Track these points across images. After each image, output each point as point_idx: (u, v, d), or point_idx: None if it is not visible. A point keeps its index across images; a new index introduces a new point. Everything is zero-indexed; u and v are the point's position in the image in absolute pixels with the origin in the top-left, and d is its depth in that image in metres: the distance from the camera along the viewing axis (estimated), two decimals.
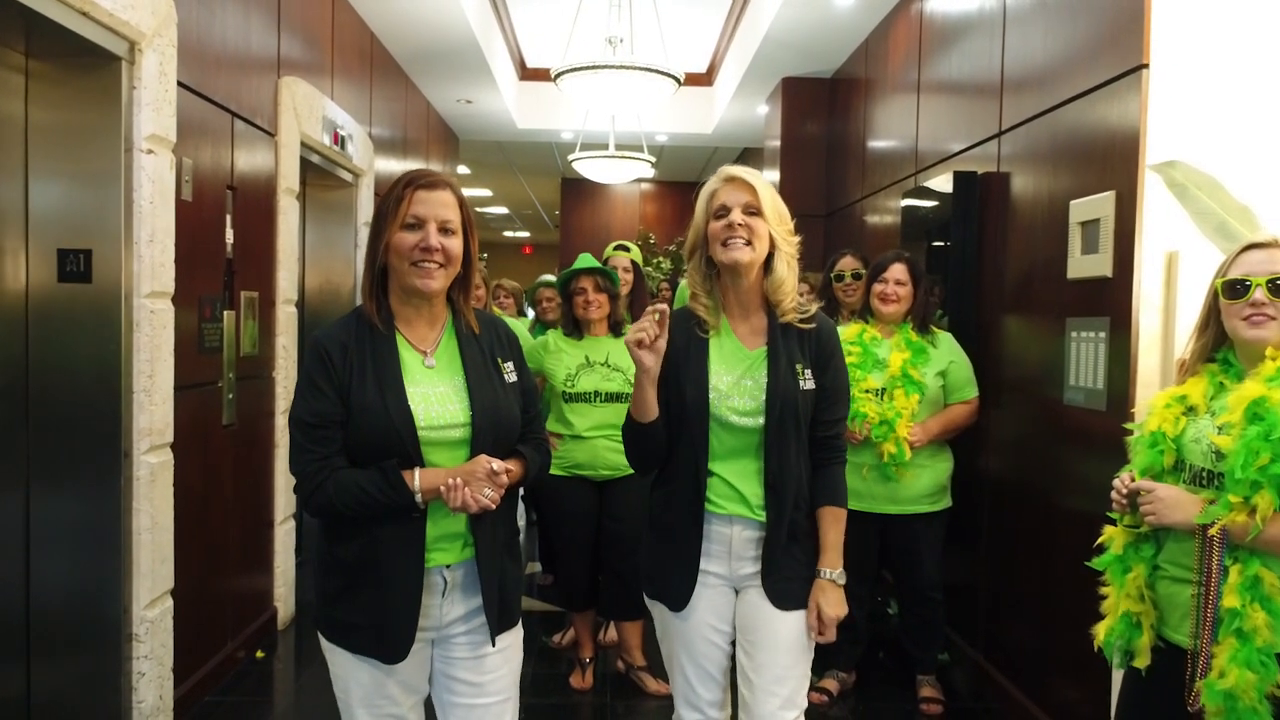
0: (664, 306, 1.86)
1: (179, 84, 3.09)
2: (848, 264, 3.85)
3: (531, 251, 20.61)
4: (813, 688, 3.34)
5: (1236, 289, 1.81)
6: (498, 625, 1.85)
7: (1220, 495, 1.71)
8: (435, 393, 1.80)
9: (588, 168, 7.98)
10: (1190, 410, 1.84)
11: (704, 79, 8.50)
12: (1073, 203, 3.00)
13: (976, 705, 3.53)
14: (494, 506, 1.74)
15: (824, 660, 3.34)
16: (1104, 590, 1.93)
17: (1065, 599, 3.03)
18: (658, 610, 2.09)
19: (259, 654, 3.90)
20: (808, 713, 2.06)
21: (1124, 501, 1.85)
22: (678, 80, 5.37)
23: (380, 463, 1.73)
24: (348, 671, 1.83)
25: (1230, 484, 1.69)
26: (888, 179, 5.13)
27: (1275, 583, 1.67)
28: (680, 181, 12.04)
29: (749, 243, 1.95)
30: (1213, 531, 1.69)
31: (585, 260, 3.56)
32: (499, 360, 1.90)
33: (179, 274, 3.08)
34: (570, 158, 8.02)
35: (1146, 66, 2.66)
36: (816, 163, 6.60)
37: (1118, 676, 2.60)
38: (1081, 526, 2.93)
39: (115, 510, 2.87)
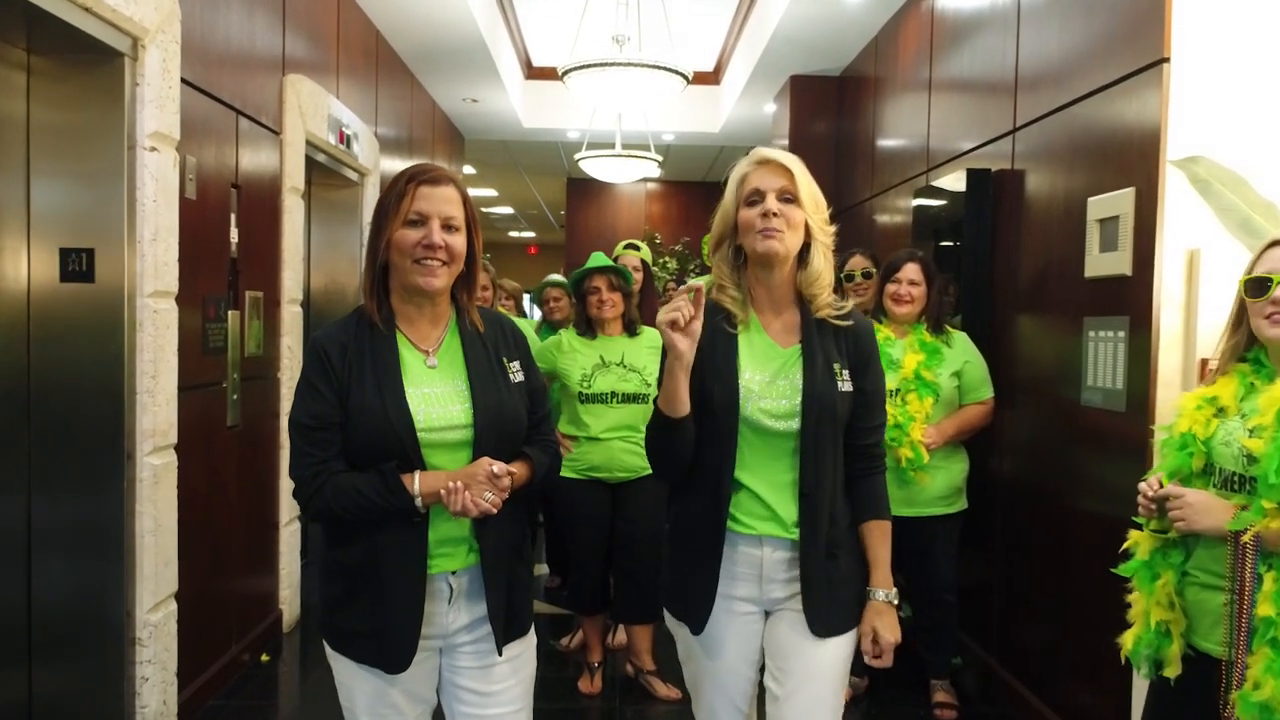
0: (699, 283, 1.70)
1: (183, 81, 3.05)
2: (858, 263, 3.79)
3: (537, 252, 20.57)
4: None
5: (1259, 287, 1.76)
6: (505, 634, 1.80)
7: (1253, 500, 1.66)
8: (436, 393, 1.75)
9: (594, 167, 7.93)
10: (1220, 412, 1.79)
11: (711, 78, 8.44)
12: (1090, 200, 2.95)
13: (990, 710, 3.48)
14: (494, 511, 1.68)
15: None
16: (1130, 597, 1.88)
17: (1081, 602, 2.98)
18: (683, 633, 1.93)
19: (264, 657, 3.86)
20: None
21: (1151, 506, 1.79)
22: (686, 77, 5.32)
23: (379, 465, 1.68)
24: (351, 680, 1.79)
25: (1263, 489, 1.64)
26: (898, 177, 5.08)
27: None
28: (686, 181, 11.99)
29: (784, 233, 1.79)
30: (1245, 539, 1.64)
31: (598, 259, 3.50)
32: (504, 360, 1.84)
33: (183, 273, 3.05)
34: (576, 157, 7.98)
35: (1167, 60, 2.61)
36: (825, 161, 6.53)
37: (1139, 683, 2.56)
38: (1099, 529, 2.88)
39: (118, 513, 2.83)
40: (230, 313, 3.56)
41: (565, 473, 3.43)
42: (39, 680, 2.87)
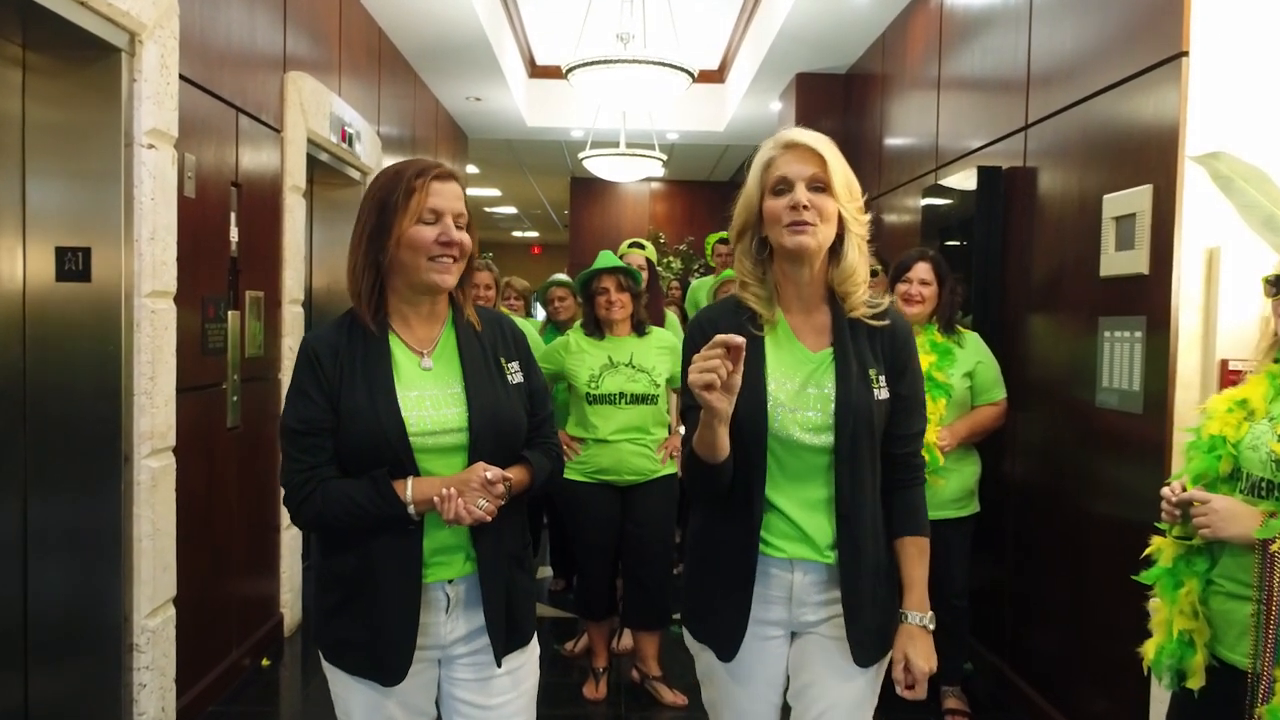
0: (738, 339, 1.45)
1: (181, 78, 3.00)
2: None
3: (540, 252, 20.53)
4: None
5: (1278, 285, 1.71)
6: (504, 645, 1.73)
7: None
8: (430, 396, 1.69)
9: (598, 165, 7.88)
10: (1250, 415, 1.73)
11: (715, 76, 8.39)
12: (1105, 197, 2.89)
13: (1002, 716, 3.42)
14: (489, 519, 1.61)
15: None
16: (1151, 605, 1.83)
17: (1096, 607, 2.93)
18: (705, 656, 1.78)
19: (264, 662, 3.82)
20: None
21: (1175, 512, 1.74)
22: (691, 74, 5.27)
23: (371, 472, 1.62)
24: (346, 692, 1.73)
25: None
26: (906, 176, 5.02)
27: None
28: (690, 181, 11.94)
29: (816, 226, 1.62)
30: (1275, 548, 1.58)
31: (606, 259, 3.45)
32: (502, 360, 1.78)
33: (181, 273, 3.00)
34: (580, 155, 7.93)
35: (1186, 54, 2.55)
36: None
37: (1157, 691, 2.50)
38: (1114, 532, 2.83)
39: (115, 516, 2.78)
40: (230, 313, 3.51)
41: (573, 476, 3.38)
42: (35, 686, 2.82)
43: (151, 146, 2.80)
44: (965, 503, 3.29)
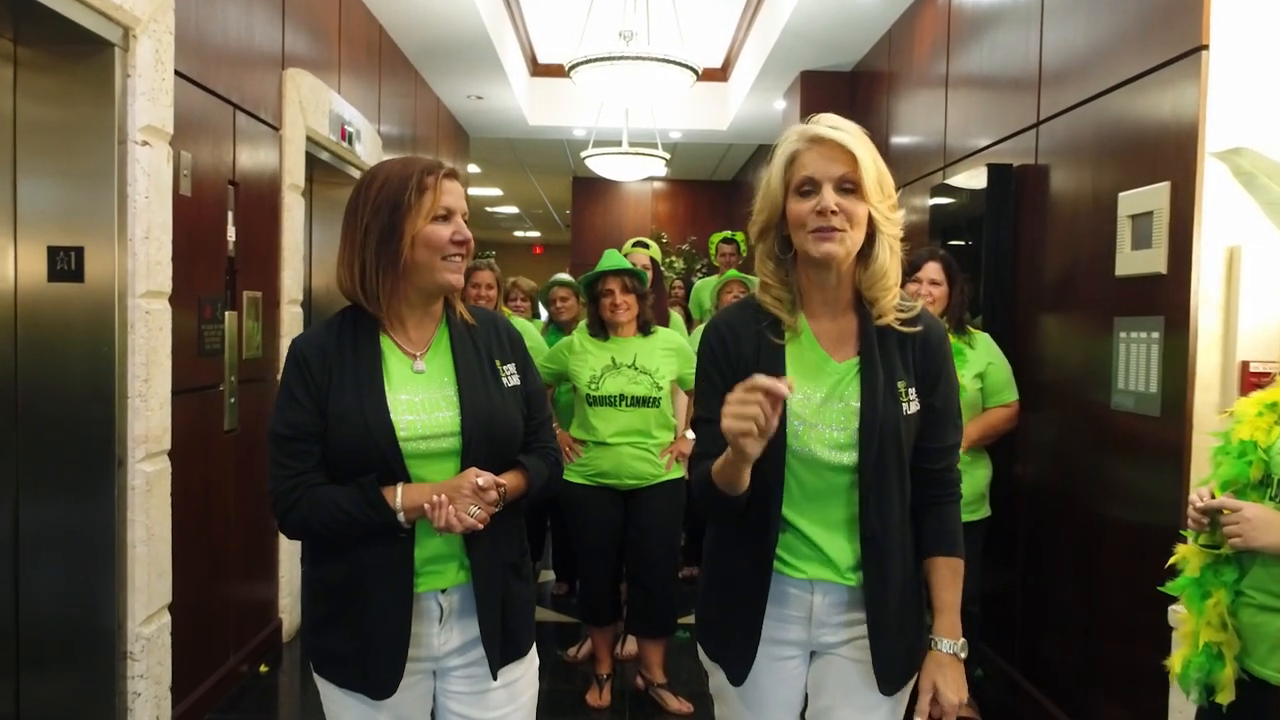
0: (783, 390, 1.33)
1: (177, 74, 2.94)
2: None
3: (542, 251, 20.48)
4: None
5: None
6: (500, 657, 1.67)
7: None
8: (422, 399, 1.62)
9: (600, 164, 7.82)
10: None
11: (719, 74, 8.33)
12: (1121, 195, 2.82)
13: None
14: (481, 526, 1.56)
15: None
16: (1178, 616, 1.76)
17: (1111, 613, 2.86)
18: (718, 675, 1.69)
19: (262, 668, 3.76)
20: None
21: (1203, 519, 1.68)
22: (695, 71, 5.20)
23: (359, 478, 1.56)
24: (337, 706, 1.67)
25: None
26: (913, 175, 4.95)
27: None
28: (693, 180, 11.89)
29: (846, 233, 1.49)
30: None
31: (612, 259, 3.37)
32: (497, 362, 1.72)
33: (177, 273, 2.94)
34: (583, 154, 7.87)
35: (1206, 48, 2.48)
36: None
37: (1176, 701, 2.43)
38: (1129, 537, 2.76)
39: (109, 521, 2.72)
40: (227, 313, 3.45)
41: (574, 478, 3.33)
42: (27, 695, 2.76)
43: (146, 144, 2.74)
44: (976, 506, 3.22)
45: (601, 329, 3.37)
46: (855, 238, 1.51)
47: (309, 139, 4.21)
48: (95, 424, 2.71)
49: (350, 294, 1.65)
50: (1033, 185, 3.47)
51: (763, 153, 9.59)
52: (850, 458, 1.54)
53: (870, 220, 1.52)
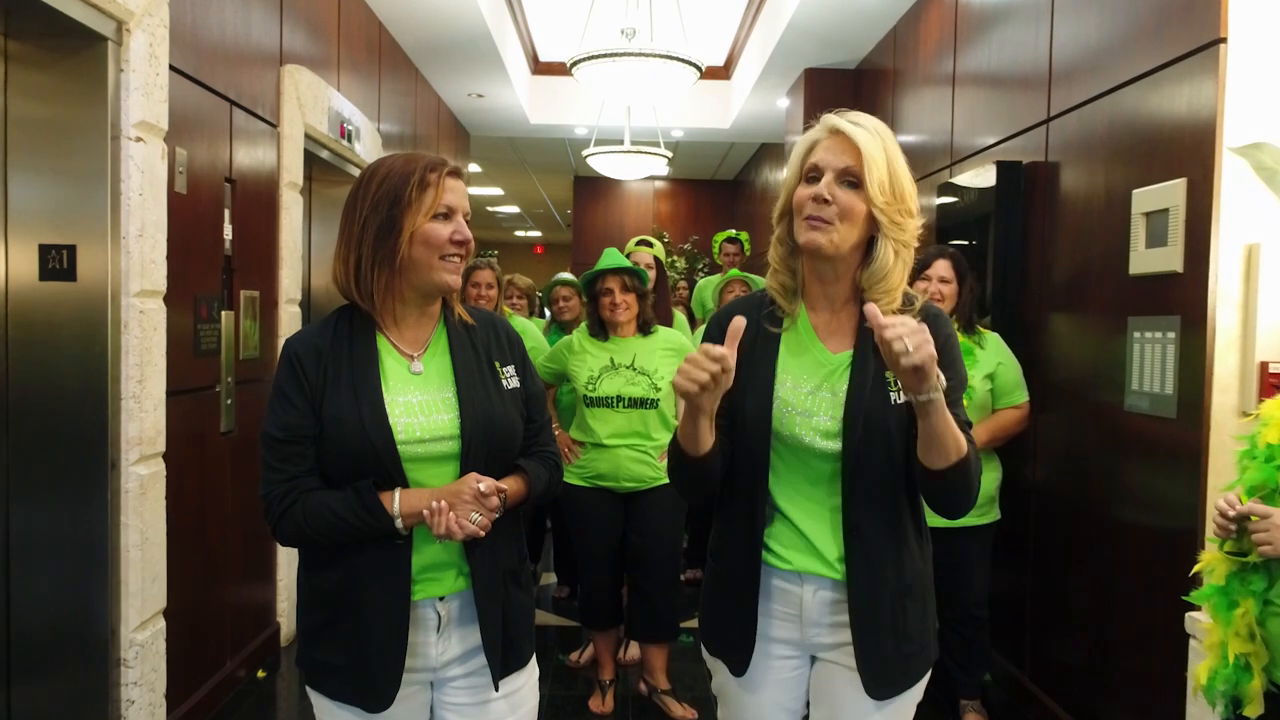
0: (739, 323, 1.40)
1: (172, 68, 2.89)
2: None
3: (543, 251, 20.43)
4: None
5: None
6: (502, 667, 1.61)
7: None
8: (420, 402, 1.57)
9: (602, 163, 7.76)
10: None
11: (721, 72, 8.27)
12: (1135, 192, 2.76)
13: None
14: (482, 534, 1.50)
15: None
16: (1203, 625, 1.70)
17: (1124, 618, 2.80)
18: (720, 673, 1.69)
19: (260, 673, 3.70)
20: None
21: (1230, 526, 1.62)
22: (698, 68, 5.15)
23: (355, 483, 1.51)
24: (331, 719, 1.61)
25: None
26: (919, 173, 4.84)
27: None
28: (695, 179, 11.83)
29: (834, 225, 1.48)
30: None
31: (612, 258, 3.32)
32: (496, 364, 1.67)
33: (172, 272, 2.88)
34: (584, 153, 7.81)
35: (1224, 41, 2.42)
36: None
37: (1194, 710, 2.37)
38: (1144, 541, 2.71)
39: (102, 525, 2.66)
40: (224, 313, 3.40)
41: (574, 480, 3.27)
42: (18, 703, 2.70)
43: (140, 140, 2.69)
44: (985, 510, 3.17)
45: (601, 329, 3.31)
46: (845, 232, 1.51)
47: (307, 136, 4.16)
48: (88, 426, 2.65)
49: (345, 290, 1.59)
50: (1043, 183, 3.41)
51: (765, 151, 9.53)
52: (836, 446, 1.54)
53: (873, 221, 1.51)
